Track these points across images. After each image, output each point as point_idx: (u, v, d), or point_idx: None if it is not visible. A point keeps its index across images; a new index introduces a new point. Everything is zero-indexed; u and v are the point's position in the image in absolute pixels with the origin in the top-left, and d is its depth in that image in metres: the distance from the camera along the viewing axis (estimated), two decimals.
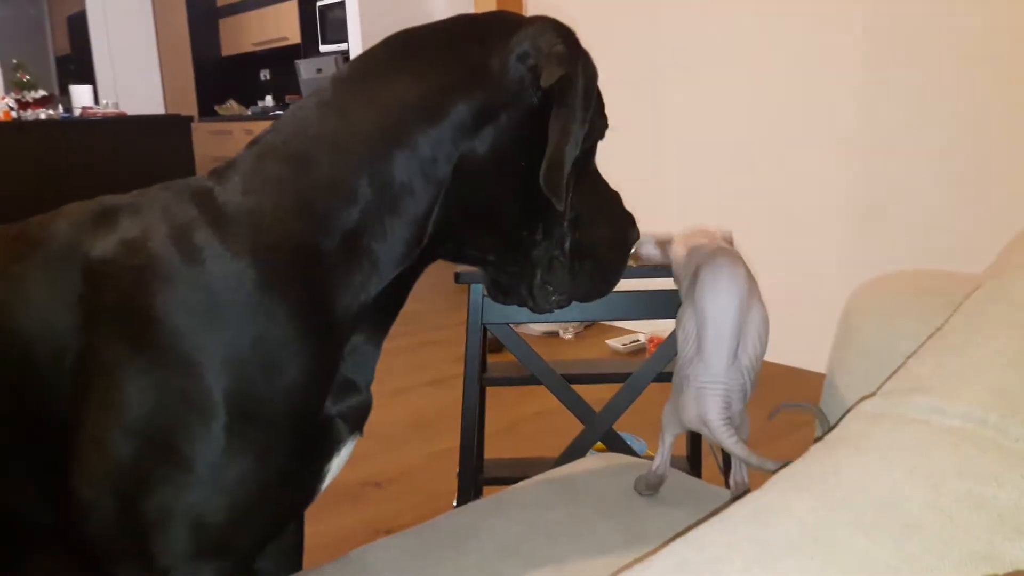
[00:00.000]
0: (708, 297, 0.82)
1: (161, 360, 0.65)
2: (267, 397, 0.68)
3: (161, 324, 0.65)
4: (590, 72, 0.78)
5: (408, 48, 0.77)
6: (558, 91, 0.74)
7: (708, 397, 0.80)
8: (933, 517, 0.41)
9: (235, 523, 0.68)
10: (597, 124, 0.82)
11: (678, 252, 0.96)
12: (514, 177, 0.77)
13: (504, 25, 0.78)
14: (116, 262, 0.68)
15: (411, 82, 0.75)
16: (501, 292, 0.87)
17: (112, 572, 0.67)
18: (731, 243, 0.96)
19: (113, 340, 0.66)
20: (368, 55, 0.78)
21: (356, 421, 0.79)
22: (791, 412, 0.90)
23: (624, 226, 0.88)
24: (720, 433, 0.80)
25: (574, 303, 0.89)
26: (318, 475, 0.77)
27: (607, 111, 0.86)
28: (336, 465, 0.78)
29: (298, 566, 0.92)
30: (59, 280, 0.68)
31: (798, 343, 2.49)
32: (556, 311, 0.88)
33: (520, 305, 0.86)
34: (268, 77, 7.04)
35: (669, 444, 0.89)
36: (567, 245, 0.82)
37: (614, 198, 0.89)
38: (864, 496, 0.44)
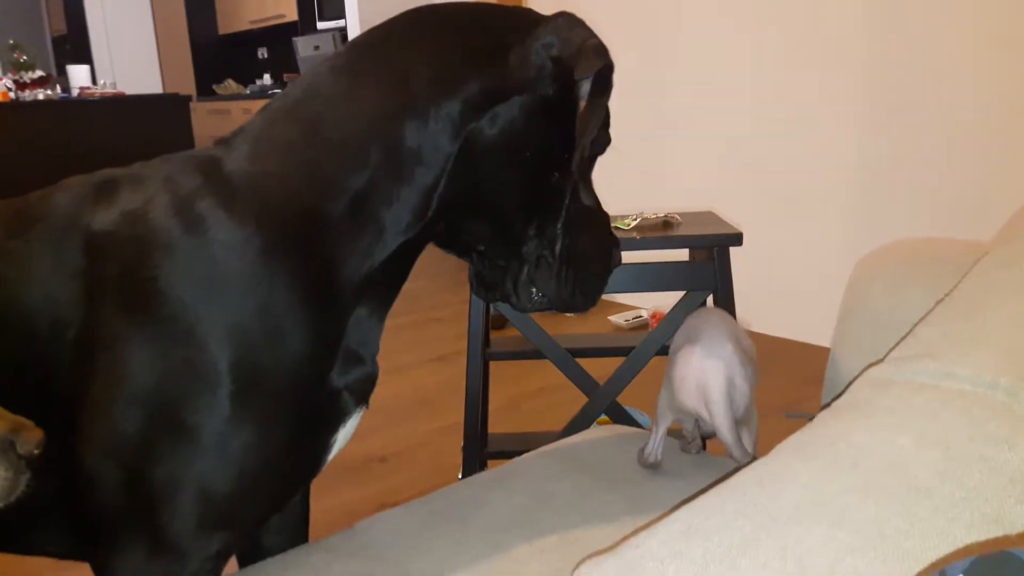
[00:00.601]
0: (700, 315, 0.91)
1: (164, 331, 0.65)
2: (272, 366, 0.67)
3: (164, 295, 0.65)
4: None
5: (429, 22, 0.77)
6: (595, 81, 0.75)
7: (710, 369, 0.81)
8: (943, 481, 0.41)
9: (242, 494, 0.68)
10: (601, 137, 0.82)
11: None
12: (518, 165, 0.77)
13: (529, 15, 0.78)
14: (117, 233, 0.67)
15: (428, 54, 0.74)
16: (485, 287, 0.87)
17: (119, 544, 0.68)
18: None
19: (116, 312, 0.65)
20: (386, 25, 0.78)
21: (362, 394, 0.79)
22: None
23: (609, 246, 0.88)
24: (717, 406, 0.80)
25: None
26: (324, 446, 0.77)
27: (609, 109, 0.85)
28: (342, 437, 0.78)
29: (304, 540, 0.92)
30: (60, 253, 0.68)
31: (805, 317, 2.49)
32: None
33: (503, 300, 0.86)
34: (266, 55, 6.98)
35: (662, 433, 0.90)
36: (557, 247, 0.82)
37: (605, 218, 0.89)
38: (873, 461, 0.44)
